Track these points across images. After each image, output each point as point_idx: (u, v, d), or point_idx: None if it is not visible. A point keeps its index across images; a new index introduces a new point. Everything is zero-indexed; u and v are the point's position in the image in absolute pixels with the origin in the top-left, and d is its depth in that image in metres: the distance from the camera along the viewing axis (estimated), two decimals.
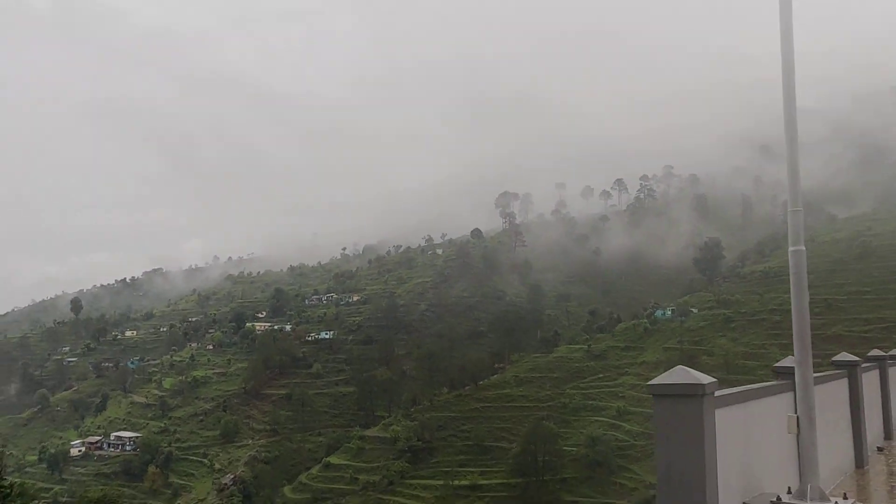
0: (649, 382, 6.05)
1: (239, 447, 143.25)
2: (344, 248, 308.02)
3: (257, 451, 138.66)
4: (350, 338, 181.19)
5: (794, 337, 7.08)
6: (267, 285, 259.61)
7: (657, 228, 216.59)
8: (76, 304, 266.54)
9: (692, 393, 5.78)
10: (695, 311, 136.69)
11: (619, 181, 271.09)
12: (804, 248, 7.17)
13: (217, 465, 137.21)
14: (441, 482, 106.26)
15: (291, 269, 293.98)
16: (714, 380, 6.02)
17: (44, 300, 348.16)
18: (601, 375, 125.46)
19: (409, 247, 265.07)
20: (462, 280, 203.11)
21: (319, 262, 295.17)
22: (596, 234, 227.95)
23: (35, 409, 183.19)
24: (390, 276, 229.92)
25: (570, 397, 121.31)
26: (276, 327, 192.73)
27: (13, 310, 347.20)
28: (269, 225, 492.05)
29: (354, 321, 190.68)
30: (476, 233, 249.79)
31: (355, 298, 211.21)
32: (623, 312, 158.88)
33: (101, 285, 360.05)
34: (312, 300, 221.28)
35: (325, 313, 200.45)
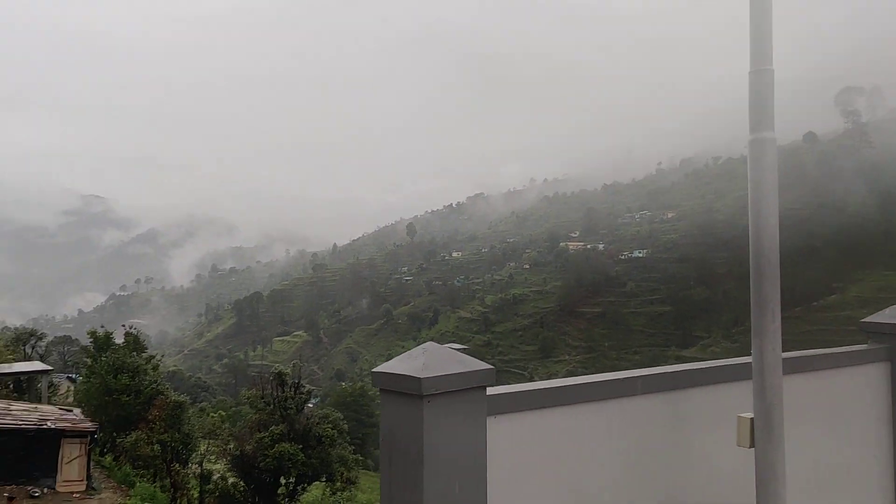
0: (373, 370, 3.35)
1: (556, 362, 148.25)
2: (659, 163, 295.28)
3: (574, 366, 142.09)
4: (664, 256, 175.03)
5: (752, 282, 3.72)
6: (581, 204, 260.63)
7: None
8: (411, 228, 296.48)
9: (409, 391, 3.14)
10: None
11: None
12: (774, 135, 3.55)
13: (536, 378, 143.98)
14: None
15: (605, 187, 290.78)
16: (489, 367, 3.31)
17: (386, 226, 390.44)
18: None
19: (729, 157, 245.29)
20: (792, 190, 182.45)
21: (633, 179, 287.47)
22: None
23: (382, 322, 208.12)
24: (708, 189, 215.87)
25: None
26: (588, 246, 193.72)
27: (363, 235, 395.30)
28: (583, 145, 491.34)
29: (669, 239, 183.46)
30: (809, 136, 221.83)
31: (670, 215, 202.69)
32: None
33: (431, 211, 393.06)
34: (625, 218, 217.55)
35: (637, 231, 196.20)
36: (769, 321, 3.84)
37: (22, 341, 39.66)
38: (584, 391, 3.69)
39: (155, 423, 23.72)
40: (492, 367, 3.34)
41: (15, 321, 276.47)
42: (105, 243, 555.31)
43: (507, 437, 3.38)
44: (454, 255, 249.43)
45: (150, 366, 27.66)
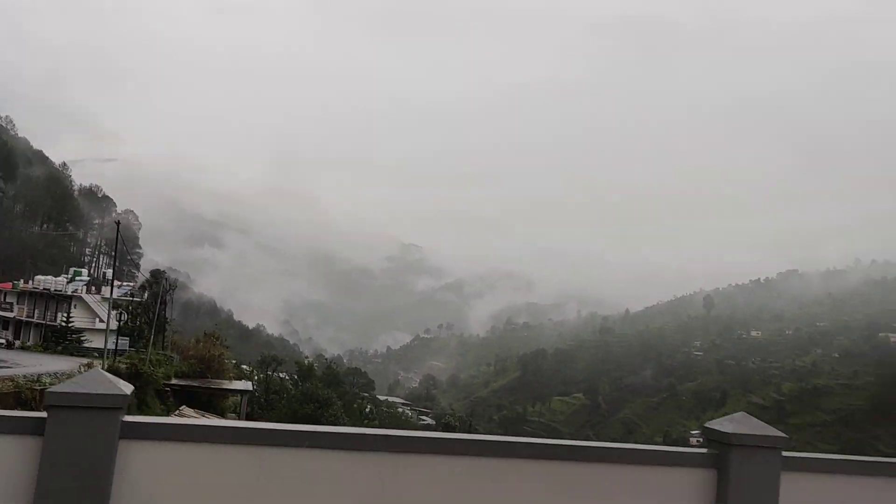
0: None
1: None
2: None
3: None
4: None
5: None
6: None
7: None
8: (708, 301, 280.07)
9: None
10: None
11: None
12: None
13: None
14: None
15: None
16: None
17: (683, 296, 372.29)
18: None
19: None
20: None
21: None
22: None
23: (665, 396, 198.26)
24: None
25: None
26: None
27: (657, 303, 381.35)
28: None
29: None
30: None
31: None
32: None
33: (735, 284, 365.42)
34: None
35: None
36: None
37: (266, 364, 45.35)
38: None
39: None
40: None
41: (334, 350, 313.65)
42: (418, 289, 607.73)
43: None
44: (753, 333, 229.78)
45: (340, 402, 29.69)
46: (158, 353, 49.16)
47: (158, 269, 67.99)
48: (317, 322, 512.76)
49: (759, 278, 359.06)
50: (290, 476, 3.66)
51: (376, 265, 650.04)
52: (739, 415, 4.51)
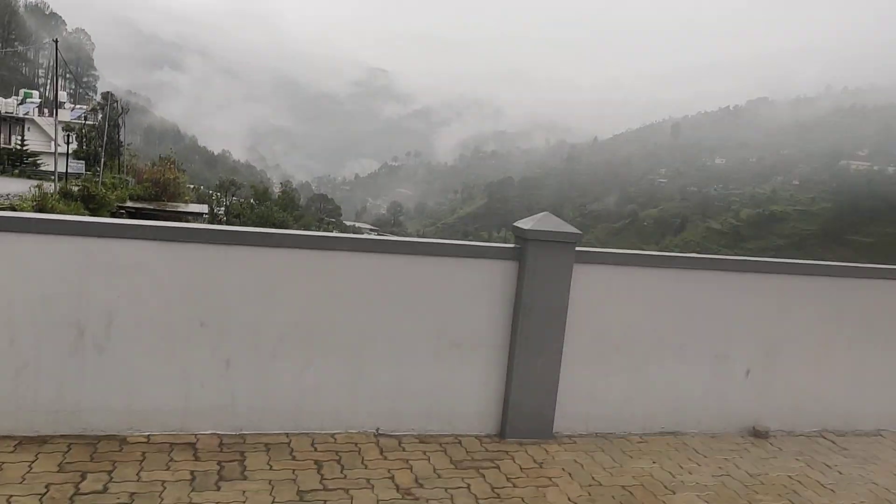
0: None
1: None
2: None
3: None
4: None
5: None
6: (882, 120, 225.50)
7: None
8: (676, 129, 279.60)
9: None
10: None
11: None
12: None
13: None
14: None
15: None
16: None
17: (652, 123, 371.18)
18: None
19: None
20: None
21: None
22: None
23: (627, 221, 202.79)
24: None
25: None
26: (875, 168, 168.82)
27: (626, 130, 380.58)
28: None
29: None
30: None
31: None
32: None
33: (704, 112, 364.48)
34: None
35: None
36: None
37: (224, 188, 44.71)
38: None
39: None
40: None
41: (303, 177, 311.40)
42: (384, 115, 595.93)
43: None
44: (717, 161, 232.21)
45: (298, 224, 29.32)
46: (113, 177, 48.69)
47: (109, 92, 65.34)
48: (284, 149, 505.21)
49: (728, 106, 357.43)
50: (116, 265, 4.06)
51: (342, 90, 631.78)
52: (542, 214, 5.07)
